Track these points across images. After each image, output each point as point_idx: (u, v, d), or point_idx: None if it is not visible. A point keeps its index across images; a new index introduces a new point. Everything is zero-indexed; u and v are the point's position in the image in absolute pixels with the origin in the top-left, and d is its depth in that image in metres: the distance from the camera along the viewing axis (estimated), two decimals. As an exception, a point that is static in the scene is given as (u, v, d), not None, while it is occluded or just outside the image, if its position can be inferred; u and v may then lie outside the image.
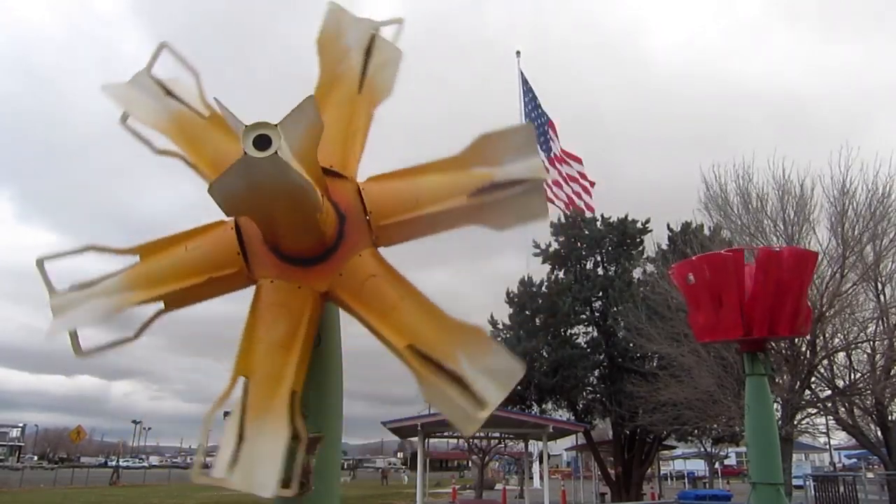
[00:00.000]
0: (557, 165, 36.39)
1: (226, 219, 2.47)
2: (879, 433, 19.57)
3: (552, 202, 34.38)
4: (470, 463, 52.92)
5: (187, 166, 2.63)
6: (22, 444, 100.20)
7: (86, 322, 2.36)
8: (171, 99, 2.73)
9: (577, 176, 37.09)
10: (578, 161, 37.55)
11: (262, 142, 1.87)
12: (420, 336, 2.21)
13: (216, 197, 1.99)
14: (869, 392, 17.70)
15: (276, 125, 1.91)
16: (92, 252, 2.48)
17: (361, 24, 2.83)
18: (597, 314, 28.57)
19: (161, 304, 2.43)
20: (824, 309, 15.91)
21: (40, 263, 2.43)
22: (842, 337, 17.44)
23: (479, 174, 2.39)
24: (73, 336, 2.36)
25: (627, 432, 27.67)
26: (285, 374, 2.18)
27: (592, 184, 36.83)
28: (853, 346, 17.57)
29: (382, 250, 2.45)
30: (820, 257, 14.58)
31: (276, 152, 1.85)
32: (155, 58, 2.76)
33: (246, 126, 1.90)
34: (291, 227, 2.23)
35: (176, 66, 2.77)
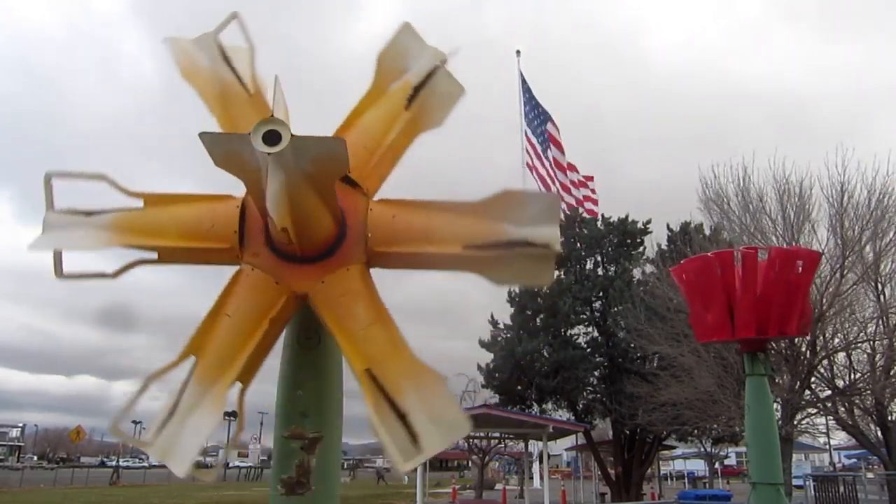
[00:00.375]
0: (556, 163, 36.37)
1: (235, 195, 2.47)
2: (879, 433, 19.57)
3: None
4: (470, 463, 52.88)
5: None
6: (22, 444, 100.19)
7: (71, 246, 2.39)
8: (226, 67, 2.72)
9: (578, 182, 37.07)
10: (574, 170, 37.51)
11: (272, 137, 1.88)
12: (379, 365, 2.18)
13: (205, 143, 1.98)
14: (869, 392, 17.70)
15: (280, 120, 1.92)
16: (103, 182, 2.50)
17: (429, 52, 2.77)
18: (597, 314, 28.58)
19: (147, 254, 2.45)
20: (824, 309, 15.91)
21: (48, 178, 2.43)
22: (842, 337, 17.45)
23: (493, 228, 2.33)
24: (57, 256, 2.40)
25: (627, 432, 27.67)
26: (234, 365, 2.18)
27: (586, 182, 36.82)
28: (853, 346, 17.57)
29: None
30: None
31: (268, 153, 1.86)
32: (226, 24, 2.77)
33: (269, 117, 1.92)
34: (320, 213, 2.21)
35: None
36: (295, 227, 2.15)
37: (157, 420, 2.09)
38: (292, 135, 1.88)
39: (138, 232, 2.40)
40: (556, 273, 29.53)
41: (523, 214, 2.34)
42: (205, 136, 1.96)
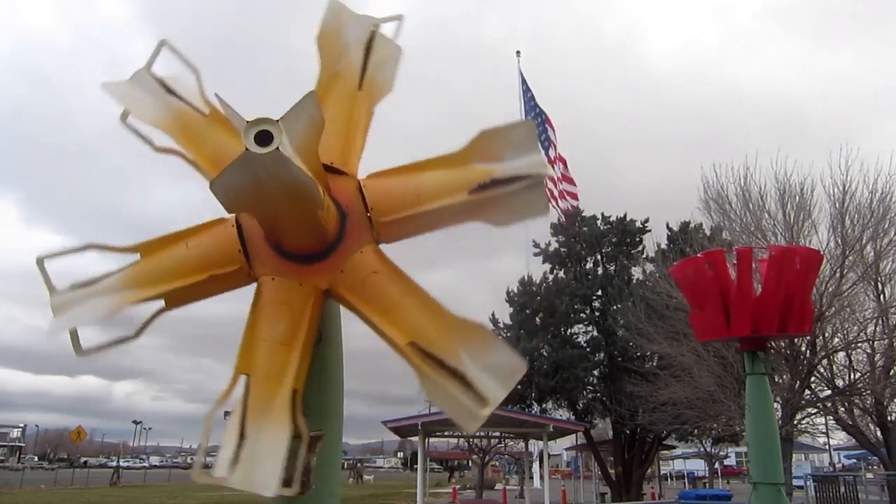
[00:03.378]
0: (554, 166, 36.49)
1: (226, 216, 2.46)
2: (879, 433, 19.56)
3: (554, 200, 34.47)
4: (470, 463, 52.88)
5: (188, 164, 2.62)
6: (22, 444, 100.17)
7: (86, 321, 2.34)
8: (172, 97, 2.72)
9: (567, 177, 37.25)
10: (563, 162, 37.71)
11: (264, 137, 1.87)
12: (421, 333, 2.20)
13: (218, 194, 1.99)
14: (868, 392, 17.70)
15: (277, 120, 1.90)
16: (92, 250, 2.47)
17: (361, 21, 2.82)
18: (596, 313, 28.58)
19: (162, 303, 2.42)
20: (824, 309, 15.91)
21: (40, 262, 2.41)
22: (842, 337, 17.44)
23: (479, 170, 2.39)
24: (74, 335, 2.34)
25: (627, 432, 27.67)
26: (287, 372, 2.17)
27: (569, 185, 37.03)
28: (853, 345, 17.57)
29: (384, 247, 2.45)
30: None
31: (277, 148, 1.84)
32: (155, 55, 2.75)
33: (248, 122, 1.90)
34: (293, 224, 2.22)
35: (178, 64, 2.76)
36: (297, 224, 2.16)
37: (228, 448, 2.00)
38: (277, 120, 1.87)
39: (145, 284, 2.37)
40: (556, 272, 29.56)
41: (504, 150, 2.38)
42: (214, 183, 1.94)
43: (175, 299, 2.43)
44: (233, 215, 2.44)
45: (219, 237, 2.43)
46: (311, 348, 2.30)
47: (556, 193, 35.11)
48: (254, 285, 2.39)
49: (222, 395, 2.15)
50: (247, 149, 1.86)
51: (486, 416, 2.08)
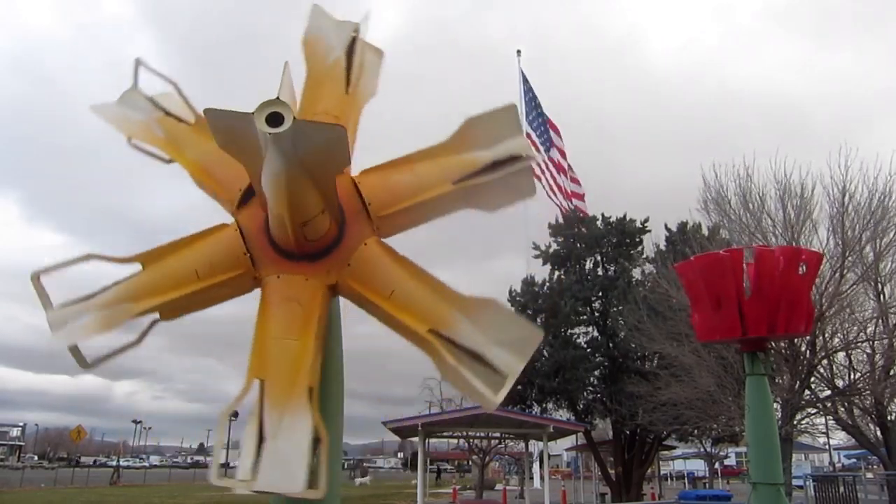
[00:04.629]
0: (556, 164, 36.50)
1: (227, 221, 2.48)
2: (879, 433, 19.57)
3: (553, 193, 34.51)
4: (470, 463, 52.87)
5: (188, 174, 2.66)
6: (22, 443, 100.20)
7: (85, 336, 2.32)
8: (159, 111, 2.78)
9: (573, 179, 37.28)
10: (566, 162, 37.76)
11: (275, 119, 1.88)
12: (436, 316, 2.22)
13: (210, 119, 1.97)
14: (868, 392, 17.71)
15: (284, 102, 1.93)
16: (92, 261, 2.44)
17: (342, 27, 2.89)
18: (597, 314, 28.58)
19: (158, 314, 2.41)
20: (824, 309, 15.91)
21: (35, 278, 2.36)
22: (841, 337, 17.45)
23: (468, 158, 2.44)
24: (75, 351, 2.32)
25: (627, 432, 27.68)
26: (301, 370, 2.18)
27: (576, 184, 37.12)
28: (853, 346, 17.57)
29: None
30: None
31: (270, 133, 1.85)
32: (136, 74, 2.82)
33: (255, 110, 1.90)
34: (315, 200, 2.19)
35: (185, 71, 2.80)
36: (294, 215, 2.16)
37: (248, 451, 1.98)
38: (294, 118, 1.89)
39: (149, 295, 2.36)
40: (557, 273, 29.57)
41: (489, 135, 2.44)
42: (209, 112, 1.95)
43: (179, 308, 2.42)
44: (233, 222, 2.45)
45: (222, 242, 2.44)
46: (323, 343, 2.30)
47: (556, 186, 35.14)
48: (256, 291, 2.40)
49: (237, 397, 2.13)
50: (270, 133, 1.85)
51: (506, 391, 2.11)
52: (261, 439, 2.01)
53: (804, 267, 6.40)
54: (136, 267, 2.45)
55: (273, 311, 2.29)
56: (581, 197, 36.51)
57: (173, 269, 2.42)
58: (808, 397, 17.73)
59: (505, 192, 2.44)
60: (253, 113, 1.89)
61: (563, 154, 37.58)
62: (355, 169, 2.59)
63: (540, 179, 33.33)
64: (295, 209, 2.14)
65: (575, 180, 37.16)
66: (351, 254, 2.37)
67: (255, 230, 2.41)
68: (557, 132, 38.16)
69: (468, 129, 2.47)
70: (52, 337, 2.32)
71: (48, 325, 2.35)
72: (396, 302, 2.29)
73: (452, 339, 2.17)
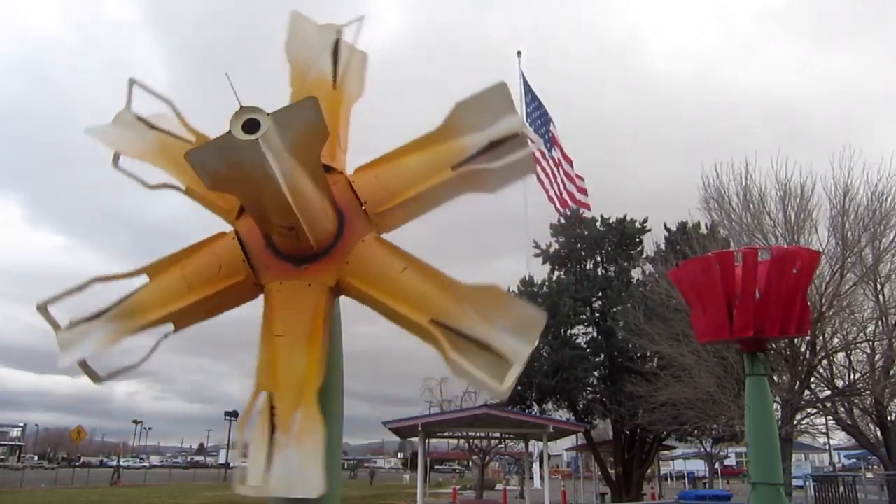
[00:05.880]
0: (557, 163, 36.55)
1: (226, 230, 2.50)
2: (879, 433, 19.57)
3: (552, 202, 34.52)
4: (470, 463, 52.89)
5: (183, 194, 2.64)
6: (22, 444, 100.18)
7: (94, 351, 2.35)
8: (156, 131, 2.77)
9: (574, 177, 37.28)
10: (570, 162, 37.76)
11: (251, 126, 1.88)
12: (437, 306, 2.20)
13: (194, 165, 1.98)
14: (868, 392, 17.71)
15: (268, 113, 1.92)
16: (96, 284, 2.46)
17: (325, 30, 2.88)
18: (597, 314, 28.59)
19: (169, 325, 2.43)
20: (824, 309, 15.92)
21: (43, 308, 2.39)
22: (841, 337, 17.46)
23: (463, 142, 2.40)
24: (86, 367, 2.35)
25: (627, 432, 27.68)
26: (309, 374, 2.18)
27: (581, 183, 37.12)
28: (852, 346, 17.58)
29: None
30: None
31: (257, 139, 1.85)
32: (130, 95, 2.81)
33: (240, 108, 1.91)
34: (276, 214, 2.19)
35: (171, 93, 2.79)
36: (303, 217, 2.17)
37: (258, 460, 2.00)
38: (268, 113, 1.88)
39: (152, 307, 2.39)
40: (557, 273, 29.58)
41: (482, 117, 2.38)
42: (190, 155, 1.94)
43: (188, 318, 2.44)
44: (230, 229, 2.47)
45: (222, 250, 2.46)
46: (328, 345, 2.31)
47: (553, 179, 35.17)
48: (261, 296, 2.40)
49: (246, 409, 2.16)
50: (229, 131, 1.86)
51: (516, 377, 2.07)
52: (271, 446, 2.03)
53: (798, 267, 6.41)
54: (143, 279, 2.48)
55: (277, 317, 2.29)
56: (585, 199, 36.54)
57: (177, 279, 2.44)
58: (807, 397, 17.74)
59: (503, 173, 2.39)
60: (229, 131, 1.88)
61: (567, 159, 37.62)
62: (351, 169, 2.60)
63: (539, 163, 33.28)
64: (302, 210, 2.14)
65: (581, 182, 37.18)
66: (349, 251, 2.36)
67: (254, 237, 2.42)
68: (556, 132, 38.19)
69: (460, 112, 2.42)
70: (62, 358, 2.34)
71: (58, 346, 2.38)
72: (396, 294, 2.27)
73: (455, 328, 2.15)
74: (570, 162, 37.69)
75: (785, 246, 16.01)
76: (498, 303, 2.17)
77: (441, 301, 2.21)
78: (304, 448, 2.02)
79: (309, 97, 2.03)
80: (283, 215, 2.14)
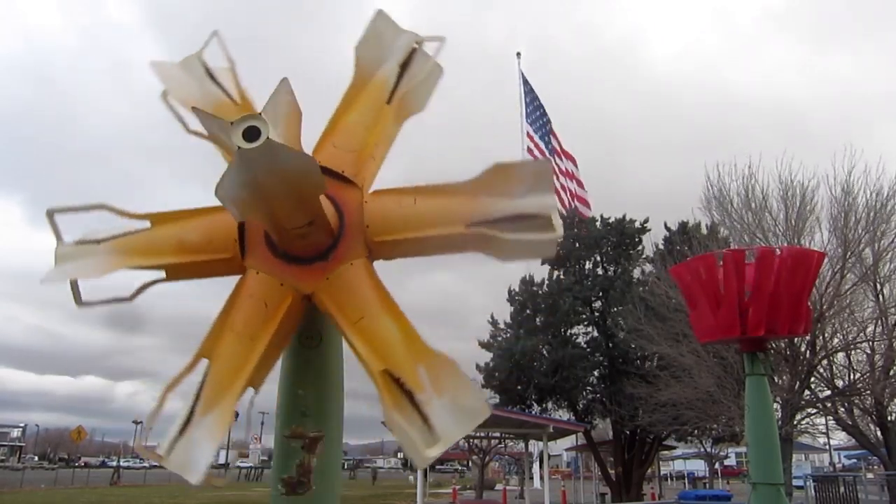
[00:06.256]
0: (558, 162, 36.57)
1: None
2: (879, 433, 19.57)
3: (562, 205, 34.51)
4: (470, 463, 52.89)
5: (217, 148, 2.58)
6: (23, 444, 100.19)
7: (82, 275, 2.41)
8: (213, 84, 2.77)
9: (576, 179, 37.30)
10: (573, 161, 37.77)
11: (252, 134, 1.87)
12: (395, 360, 2.14)
13: (225, 200, 2.02)
14: (868, 392, 17.72)
15: (259, 114, 1.93)
16: (104, 211, 2.52)
17: (404, 36, 2.77)
18: (596, 314, 28.60)
19: (159, 273, 2.49)
20: (824, 309, 15.92)
21: (50, 215, 2.47)
22: (841, 337, 17.46)
23: (486, 204, 2.30)
24: (74, 285, 2.42)
25: (627, 432, 27.69)
26: (245, 368, 2.18)
27: (580, 184, 37.14)
28: (852, 346, 17.58)
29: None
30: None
31: (267, 138, 1.85)
32: (207, 43, 2.83)
33: (232, 122, 1.91)
34: (297, 215, 2.19)
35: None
36: (272, 224, 2.20)
37: (172, 431, 2.10)
38: (268, 138, 1.86)
39: (141, 253, 2.44)
40: (557, 272, 29.59)
41: (516, 186, 2.29)
42: (218, 190, 1.96)
43: (179, 273, 2.50)
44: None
45: (220, 223, 2.46)
46: (278, 350, 2.31)
47: (560, 184, 35.18)
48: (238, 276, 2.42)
49: (181, 372, 2.21)
50: (238, 147, 1.86)
51: (436, 455, 2.01)
52: (188, 421, 2.10)
53: (806, 267, 6.41)
54: (146, 223, 2.52)
55: (240, 303, 2.32)
56: (585, 202, 36.54)
57: (171, 235, 2.48)
58: (808, 397, 17.74)
59: (521, 247, 2.29)
60: (232, 122, 1.89)
61: (568, 157, 37.60)
62: (378, 182, 2.55)
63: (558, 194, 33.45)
64: (271, 218, 2.16)
65: (580, 183, 37.20)
66: (333, 269, 2.32)
67: (257, 223, 2.41)
68: (557, 141, 38.22)
69: (494, 173, 2.31)
70: (54, 268, 2.41)
71: (54, 257, 2.45)
72: (361, 332, 2.21)
73: (405, 386, 2.09)
74: (573, 161, 37.67)
75: (785, 245, 16.00)
76: (451, 377, 2.10)
77: (400, 356, 2.15)
78: (207, 433, 2.07)
79: (310, 158, 2.07)
80: (306, 210, 2.16)
